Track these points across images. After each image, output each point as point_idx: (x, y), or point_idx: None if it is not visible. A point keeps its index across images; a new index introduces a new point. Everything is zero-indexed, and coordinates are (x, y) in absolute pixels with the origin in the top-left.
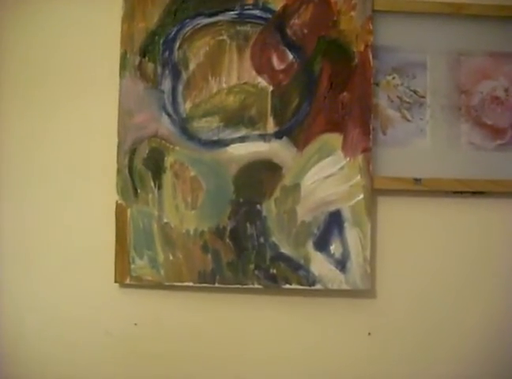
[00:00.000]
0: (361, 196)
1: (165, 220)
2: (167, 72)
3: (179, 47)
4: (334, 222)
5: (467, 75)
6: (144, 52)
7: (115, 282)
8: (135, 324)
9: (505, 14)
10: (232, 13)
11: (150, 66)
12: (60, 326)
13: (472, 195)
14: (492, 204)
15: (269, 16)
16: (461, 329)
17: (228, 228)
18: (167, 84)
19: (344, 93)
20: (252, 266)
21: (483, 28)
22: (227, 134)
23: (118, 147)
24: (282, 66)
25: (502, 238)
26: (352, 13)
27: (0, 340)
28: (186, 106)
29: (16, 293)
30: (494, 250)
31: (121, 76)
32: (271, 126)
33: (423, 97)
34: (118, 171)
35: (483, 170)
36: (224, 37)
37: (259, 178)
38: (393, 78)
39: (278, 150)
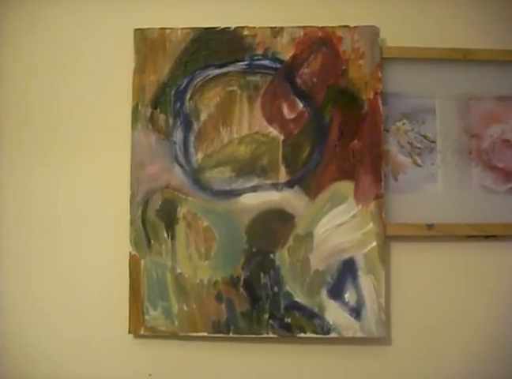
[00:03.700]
0: (374, 243)
1: (179, 271)
2: (178, 123)
3: (190, 98)
4: (348, 270)
5: (476, 119)
6: (155, 104)
7: (129, 333)
8: (149, 375)
9: (510, 58)
10: (242, 63)
11: (162, 118)
12: (74, 378)
13: (486, 239)
14: (506, 247)
15: (279, 66)
16: (479, 375)
17: (242, 278)
18: (178, 135)
19: (355, 141)
20: (266, 315)
21: (490, 72)
22: (240, 184)
23: (131, 198)
24: (292, 115)
25: None
26: (361, 62)
27: None
28: (197, 157)
29: (29, 344)
30: (510, 294)
31: (133, 128)
32: (283, 175)
33: (434, 142)
34: (132, 222)
35: (495, 213)
36: (235, 87)
37: (272, 227)
38: (403, 124)
39: (290, 199)
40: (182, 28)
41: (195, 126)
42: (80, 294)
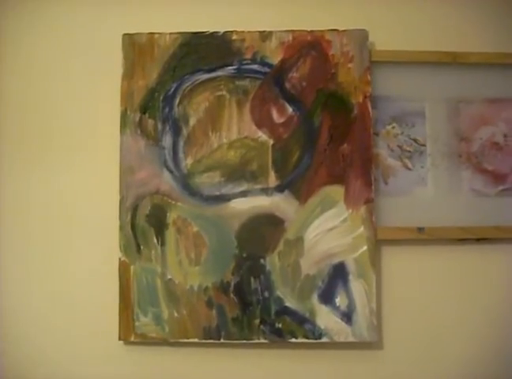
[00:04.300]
0: (365, 247)
1: (169, 276)
2: (167, 128)
3: (179, 103)
4: (339, 274)
5: (466, 122)
6: (144, 109)
7: (120, 339)
8: None
9: (501, 61)
10: (231, 68)
11: (150, 123)
12: None
13: (477, 242)
14: (497, 250)
15: (268, 70)
16: None
17: (232, 283)
18: (167, 141)
19: (345, 145)
20: (257, 321)
21: (480, 75)
22: (229, 189)
23: (120, 204)
24: (282, 120)
25: (509, 285)
26: (350, 65)
27: None
28: (187, 162)
29: (20, 351)
30: (501, 297)
31: (121, 133)
32: (272, 180)
33: (424, 145)
34: (121, 228)
35: (486, 216)
36: (224, 92)
37: (262, 232)
38: (393, 127)
39: (280, 204)
40: (171, 33)
41: (184, 131)
42: (69, 301)
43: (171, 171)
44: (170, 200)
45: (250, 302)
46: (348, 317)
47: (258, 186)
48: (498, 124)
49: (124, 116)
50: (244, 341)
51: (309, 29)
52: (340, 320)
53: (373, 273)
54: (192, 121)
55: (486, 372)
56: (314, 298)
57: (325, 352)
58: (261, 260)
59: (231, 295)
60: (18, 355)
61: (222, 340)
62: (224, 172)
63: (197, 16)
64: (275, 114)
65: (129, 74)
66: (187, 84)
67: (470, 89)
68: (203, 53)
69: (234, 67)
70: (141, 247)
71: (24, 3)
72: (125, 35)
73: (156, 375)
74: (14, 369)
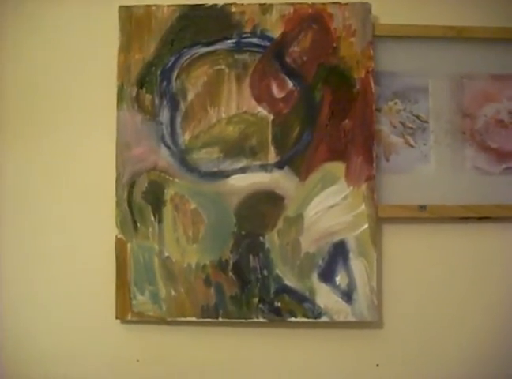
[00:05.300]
0: (366, 225)
1: (166, 254)
2: (164, 103)
3: (177, 77)
4: (339, 252)
5: (470, 98)
6: (141, 83)
7: (116, 318)
8: (137, 361)
9: (506, 36)
10: (230, 41)
11: (148, 98)
12: (61, 364)
13: (479, 220)
14: (499, 229)
15: (268, 43)
16: (470, 360)
17: (231, 261)
18: (165, 116)
19: (346, 120)
20: (256, 299)
21: (485, 51)
22: (228, 165)
23: (117, 180)
24: (282, 94)
25: (511, 263)
26: (352, 39)
27: None
28: (185, 138)
29: (18, 331)
30: (503, 277)
31: (118, 108)
32: (272, 156)
33: (426, 122)
34: (117, 205)
35: (489, 195)
36: (223, 66)
37: (261, 209)
38: (395, 103)
39: (280, 180)
40: (168, 5)
41: (182, 106)
42: (66, 279)
43: (168, 147)
44: (167, 177)
45: (248, 280)
46: (348, 295)
47: (258, 162)
48: (503, 101)
49: (120, 91)
50: (243, 320)
51: (310, 2)
52: (340, 299)
53: (374, 251)
54: (190, 96)
55: (488, 351)
56: (314, 277)
57: (324, 331)
58: (261, 238)
59: (230, 273)
60: (12, 335)
61: (220, 319)
62: (223, 148)
63: None
64: (275, 89)
65: (125, 48)
66: (185, 58)
67: (475, 65)
68: (202, 26)
69: (233, 41)
70: (138, 224)
71: None
72: (121, 7)
73: (154, 354)
74: (8, 348)
